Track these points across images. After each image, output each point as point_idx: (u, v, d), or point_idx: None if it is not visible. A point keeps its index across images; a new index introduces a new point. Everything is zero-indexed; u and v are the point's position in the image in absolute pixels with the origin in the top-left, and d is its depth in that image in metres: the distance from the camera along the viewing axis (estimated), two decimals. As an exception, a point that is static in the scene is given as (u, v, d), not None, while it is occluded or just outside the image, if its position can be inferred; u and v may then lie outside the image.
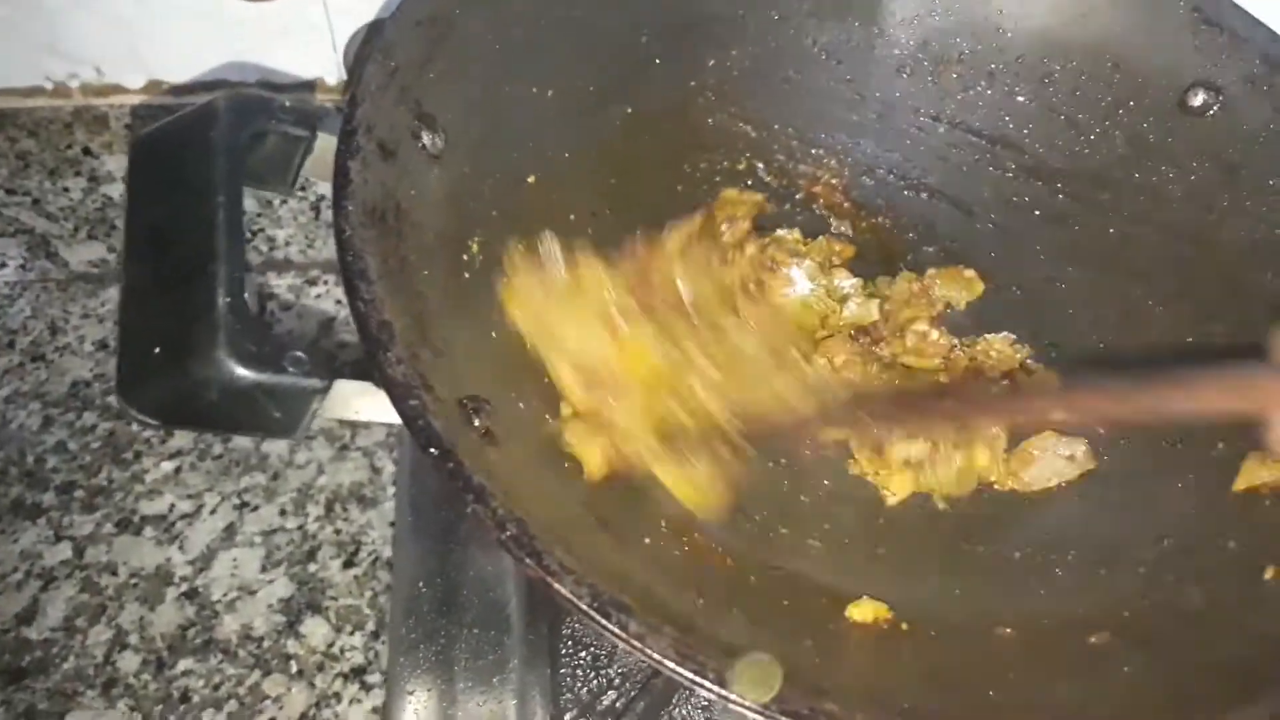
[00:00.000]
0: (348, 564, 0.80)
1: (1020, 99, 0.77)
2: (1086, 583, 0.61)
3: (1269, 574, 0.57)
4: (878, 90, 0.79)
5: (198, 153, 0.50)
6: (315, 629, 0.78)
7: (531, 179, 0.63)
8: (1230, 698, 0.48)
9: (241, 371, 0.46)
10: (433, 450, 0.46)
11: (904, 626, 0.56)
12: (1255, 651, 0.52)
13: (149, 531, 0.80)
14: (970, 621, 0.58)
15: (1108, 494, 0.66)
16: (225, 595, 0.79)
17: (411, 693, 0.61)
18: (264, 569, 0.80)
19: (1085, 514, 0.65)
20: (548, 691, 0.61)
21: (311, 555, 0.81)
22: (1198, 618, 0.57)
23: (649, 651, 0.43)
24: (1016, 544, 0.64)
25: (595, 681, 0.63)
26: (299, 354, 0.47)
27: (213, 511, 0.82)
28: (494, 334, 0.57)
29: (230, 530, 0.81)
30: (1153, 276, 0.73)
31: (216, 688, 0.75)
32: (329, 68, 0.81)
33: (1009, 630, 0.57)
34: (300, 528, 0.82)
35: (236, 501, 0.83)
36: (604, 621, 0.44)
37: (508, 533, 0.45)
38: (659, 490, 0.58)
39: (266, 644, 0.77)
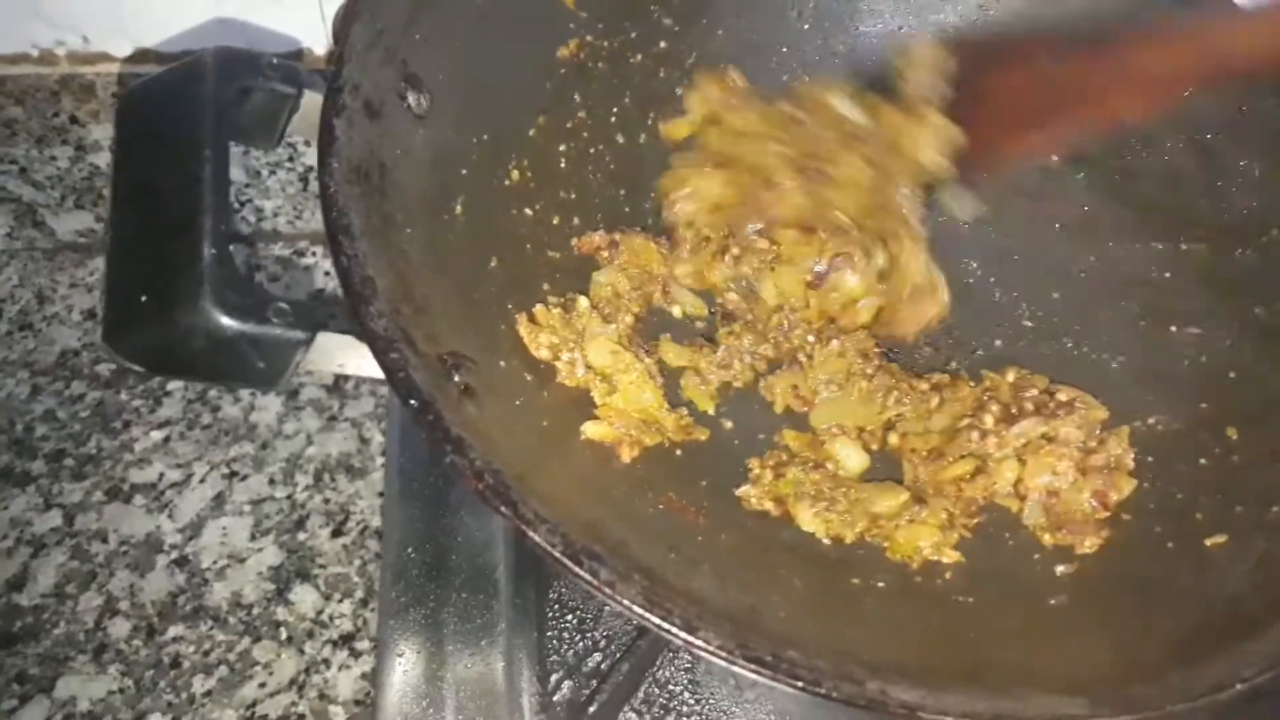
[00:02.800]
0: (336, 533, 0.81)
1: None
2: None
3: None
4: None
5: (185, 107, 0.51)
6: (304, 596, 0.79)
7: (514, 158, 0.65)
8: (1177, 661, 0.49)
9: (226, 321, 0.47)
10: (413, 401, 0.47)
11: (879, 585, 0.57)
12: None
13: (139, 500, 0.81)
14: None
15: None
16: (215, 563, 0.80)
17: (401, 655, 0.62)
18: (253, 537, 0.81)
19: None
20: (534, 654, 0.62)
21: (300, 524, 0.82)
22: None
23: (618, 598, 0.44)
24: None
25: (581, 644, 0.64)
26: (283, 305, 0.48)
27: (202, 480, 0.83)
28: (475, 295, 0.58)
29: (220, 499, 0.82)
30: (1126, 253, 0.74)
31: (207, 654, 0.76)
32: (317, 38, 0.82)
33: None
34: (289, 497, 0.83)
35: (226, 471, 0.83)
36: (575, 568, 0.45)
37: (485, 482, 0.46)
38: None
39: (256, 611, 0.78)
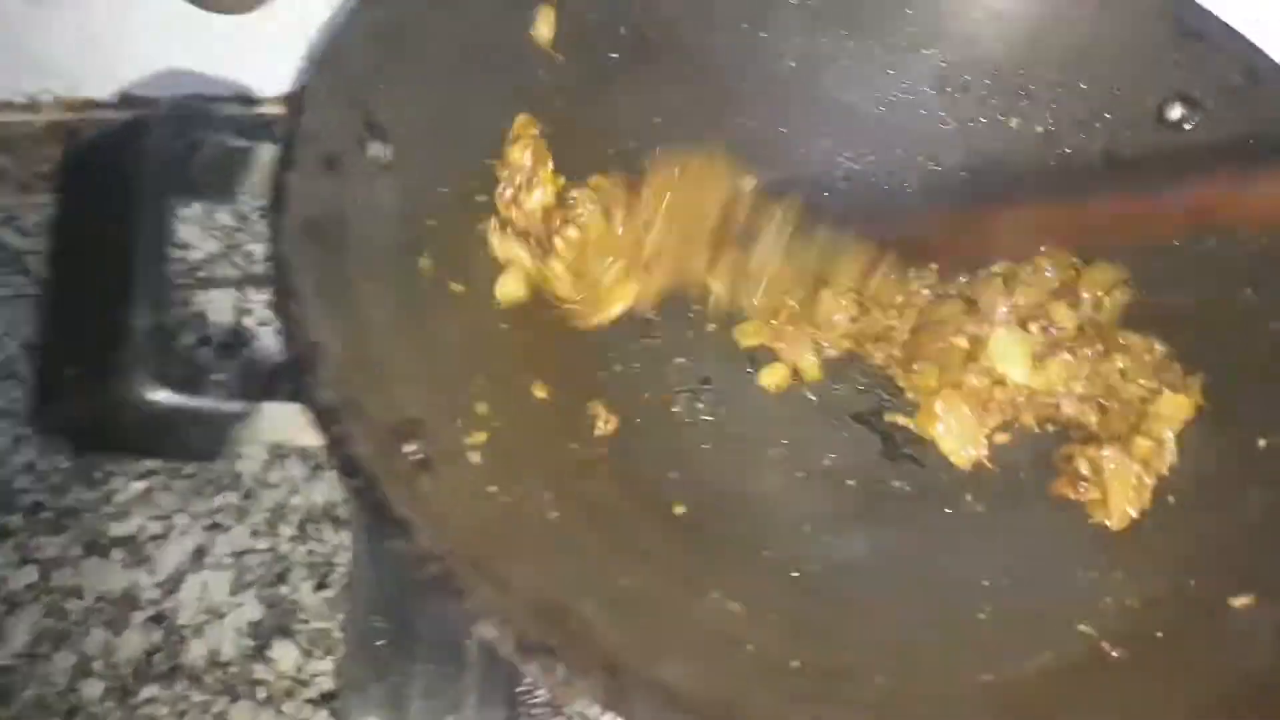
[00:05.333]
0: (319, 585, 0.77)
1: (997, 114, 0.74)
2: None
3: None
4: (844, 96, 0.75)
5: (127, 165, 0.47)
6: (285, 653, 0.75)
7: (481, 197, 0.61)
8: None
9: (159, 394, 0.43)
10: (355, 480, 0.42)
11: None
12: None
13: (117, 554, 0.77)
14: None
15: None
16: (193, 619, 0.75)
17: (364, 734, 0.58)
18: (233, 591, 0.77)
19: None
20: (505, 728, 0.57)
21: (282, 577, 0.78)
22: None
23: (576, 700, 0.40)
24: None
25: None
26: (219, 377, 0.44)
27: (183, 533, 0.79)
28: (441, 354, 0.53)
29: (200, 552, 0.78)
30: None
31: (182, 715, 0.72)
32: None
33: None
34: (271, 549, 0.79)
35: (207, 522, 0.79)
36: (526, 667, 0.40)
37: (429, 570, 0.41)
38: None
39: (234, 669, 0.74)
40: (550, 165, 0.64)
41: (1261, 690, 0.46)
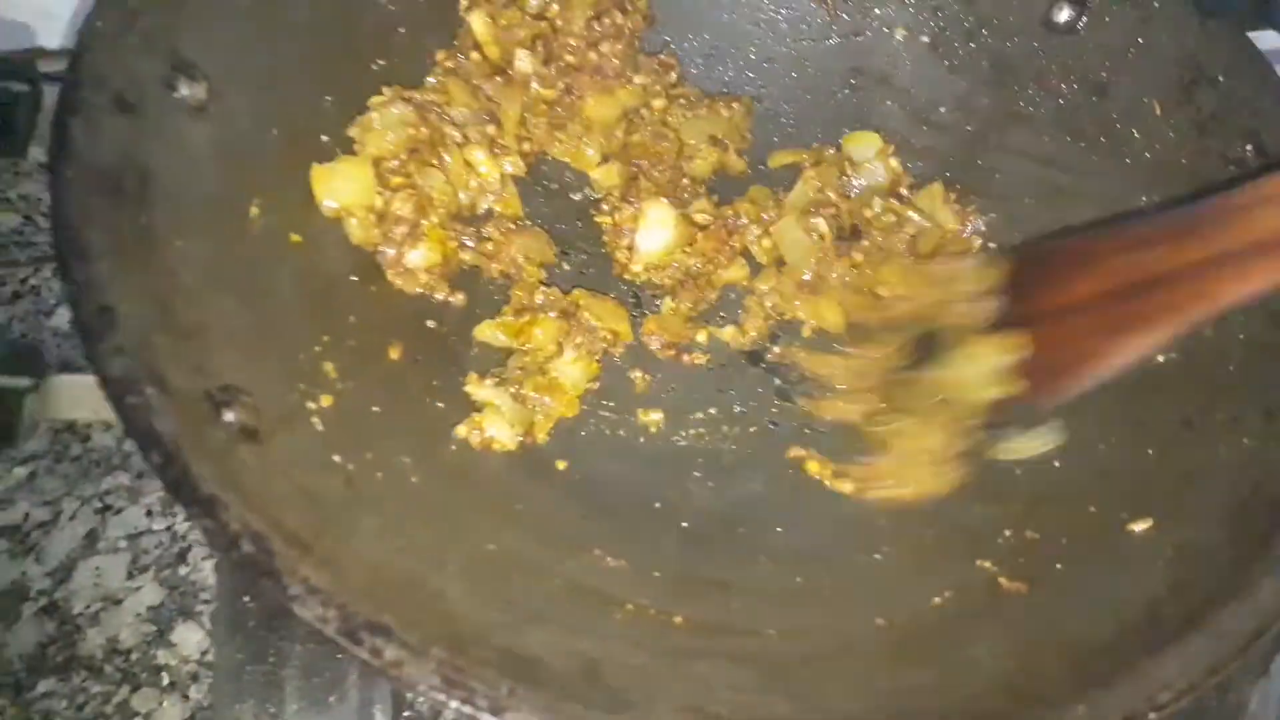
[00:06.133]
0: (219, 571, 0.73)
1: (883, 27, 0.69)
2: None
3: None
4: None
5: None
6: (188, 636, 0.71)
7: (325, 137, 0.55)
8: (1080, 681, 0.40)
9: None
10: (153, 455, 0.38)
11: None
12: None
13: (2, 544, 0.73)
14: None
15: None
16: (88, 607, 0.71)
17: (238, 719, 0.54)
18: (130, 575, 0.72)
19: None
20: (388, 710, 0.53)
21: (182, 557, 0.73)
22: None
23: (405, 679, 0.36)
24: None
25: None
26: (-6, 352, 0.40)
27: (72, 518, 0.74)
28: (273, 314, 0.48)
29: (92, 537, 0.74)
30: (1022, 208, 0.65)
31: (80, 708, 0.68)
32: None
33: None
34: (169, 528, 0.74)
35: (98, 505, 0.75)
36: (354, 648, 0.36)
37: (239, 550, 0.37)
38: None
39: (135, 656, 0.70)
40: (435, 219, 0.59)
41: (1156, 615, 0.43)
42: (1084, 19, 0.62)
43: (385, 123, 0.58)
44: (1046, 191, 0.63)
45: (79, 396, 0.42)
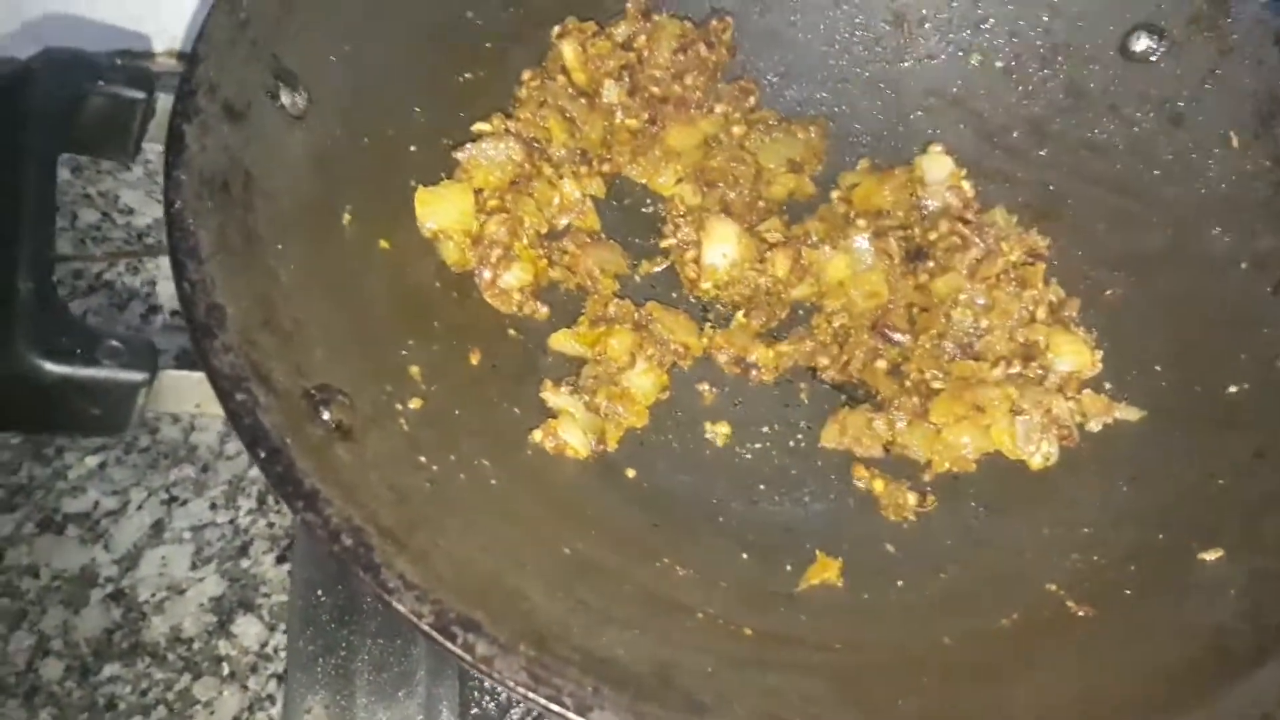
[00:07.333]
0: (281, 558, 0.75)
1: (956, 50, 0.70)
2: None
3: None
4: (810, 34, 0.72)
5: (11, 119, 0.44)
6: (247, 628, 0.73)
7: (414, 147, 0.58)
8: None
9: (47, 366, 0.41)
10: (259, 450, 0.40)
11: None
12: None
13: (72, 530, 0.76)
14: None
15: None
16: (153, 595, 0.74)
17: (309, 711, 0.56)
18: (194, 566, 0.75)
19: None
20: (455, 706, 0.55)
21: (244, 550, 0.76)
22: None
23: (497, 675, 0.38)
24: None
25: (504, 694, 0.57)
26: (114, 343, 0.42)
27: (139, 507, 0.77)
28: (364, 317, 0.51)
29: (158, 527, 0.77)
30: (1092, 235, 0.66)
31: (144, 693, 0.71)
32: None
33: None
34: (231, 522, 0.77)
35: (164, 496, 0.78)
36: (447, 644, 0.38)
37: (340, 544, 0.39)
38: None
39: (196, 646, 0.72)
40: (525, 240, 0.62)
41: (1226, 645, 0.44)
42: (1162, 48, 0.64)
43: (494, 159, 0.61)
44: (1118, 219, 0.64)
45: (185, 391, 0.45)
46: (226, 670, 0.72)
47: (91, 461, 0.79)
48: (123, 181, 0.84)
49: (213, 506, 0.78)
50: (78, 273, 0.87)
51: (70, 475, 0.78)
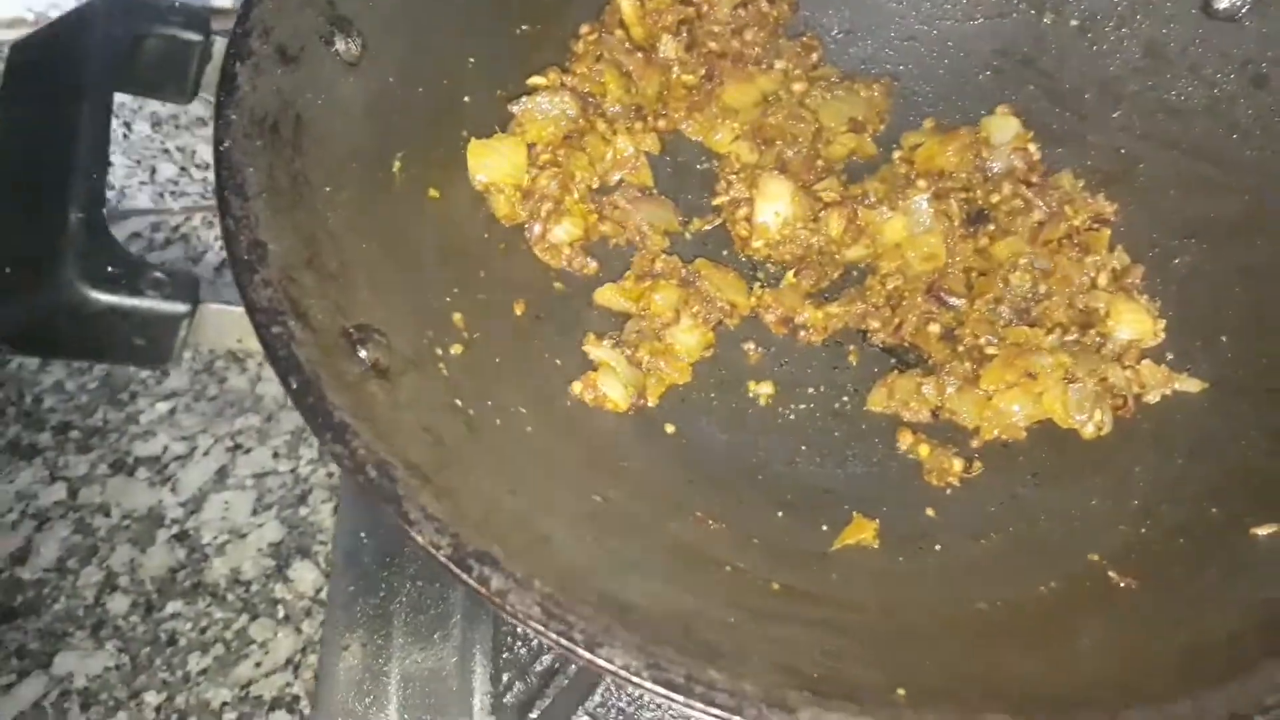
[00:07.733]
0: (339, 508, 0.78)
1: (1029, 7, 0.68)
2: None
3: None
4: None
5: (69, 59, 0.46)
6: (304, 574, 0.76)
7: (467, 98, 0.58)
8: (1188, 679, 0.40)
9: (94, 294, 0.43)
10: (291, 381, 0.41)
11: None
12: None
13: (142, 473, 0.79)
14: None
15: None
16: (215, 538, 0.77)
17: (347, 648, 0.58)
18: (255, 512, 0.78)
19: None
20: (488, 650, 0.56)
21: (303, 499, 0.78)
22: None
23: (509, 608, 0.38)
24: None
25: (537, 640, 0.58)
26: (159, 275, 0.43)
27: (206, 453, 0.80)
28: (411, 263, 0.52)
29: (222, 473, 0.80)
30: (1163, 201, 0.63)
31: (204, 631, 0.74)
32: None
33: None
34: (293, 470, 0.79)
35: (230, 444, 0.81)
36: (463, 575, 0.39)
37: (365, 475, 0.40)
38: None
39: (255, 588, 0.75)
40: (576, 195, 0.62)
41: (1275, 619, 0.42)
42: (1246, 6, 0.61)
43: (549, 114, 0.61)
44: (1193, 184, 0.61)
45: (227, 325, 0.46)
46: (281, 613, 0.74)
47: (162, 407, 0.82)
48: (200, 137, 0.87)
49: (275, 455, 0.81)
50: (155, 225, 0.91)
51: (142, 420, 0.82)
